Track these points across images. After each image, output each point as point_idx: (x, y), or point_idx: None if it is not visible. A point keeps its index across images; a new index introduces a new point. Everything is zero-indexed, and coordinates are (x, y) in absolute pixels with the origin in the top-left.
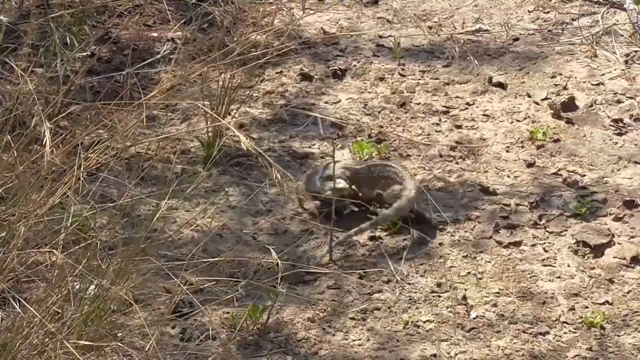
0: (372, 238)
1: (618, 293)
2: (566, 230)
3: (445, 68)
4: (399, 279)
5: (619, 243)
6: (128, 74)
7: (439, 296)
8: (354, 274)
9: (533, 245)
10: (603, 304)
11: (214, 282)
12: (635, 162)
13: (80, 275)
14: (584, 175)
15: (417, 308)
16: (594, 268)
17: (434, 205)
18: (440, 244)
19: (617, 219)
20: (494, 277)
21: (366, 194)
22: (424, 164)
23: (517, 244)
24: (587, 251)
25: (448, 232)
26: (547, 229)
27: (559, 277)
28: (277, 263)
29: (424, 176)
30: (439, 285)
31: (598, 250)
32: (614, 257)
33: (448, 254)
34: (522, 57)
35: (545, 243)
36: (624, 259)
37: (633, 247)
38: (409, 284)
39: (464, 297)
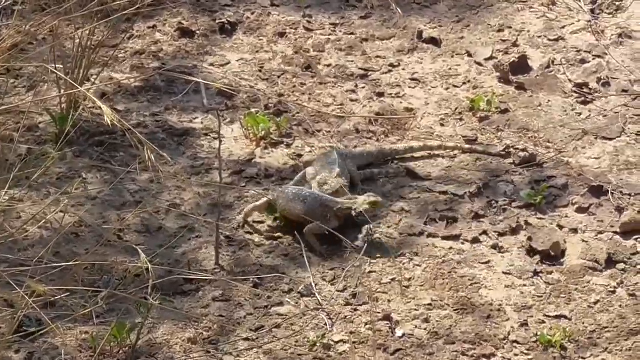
0: (270, 237)
1: (583, 304)
2: (517, 225)
3: (362, 20)
4: (304, 287)
5: (584, 240)
6: None
7: (356, 310)
8: (246, 281)
9: (474, 243)
10: (563, 318)
11: (68, 293)
12: (604, 138)
13: None
14: (539, 155)
15: (327, 325)
16: (551, 272)
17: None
18: (357, 243)
19: (582, 209)
20: (425, 285)
21: None
22: (336, 142)
23: (455, 242)
24: (544, 251)
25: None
26: (493, 224)
27: (507, 285)
28: (148, 268)
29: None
30: (354, 295)
31: (557, 250)
32: (578, 259)
33: (367, 257)
34: (460, 5)
35: (490, 241)
36: (591, 260)
37: (602, 246)
38: (317, 294)
39: (387, 311)
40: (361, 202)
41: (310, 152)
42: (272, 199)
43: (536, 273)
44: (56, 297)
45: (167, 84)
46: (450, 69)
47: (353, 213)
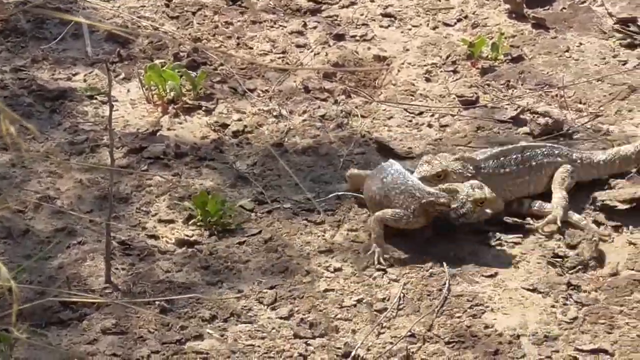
0: (182, 242)
1: (630, 333)
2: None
3: None
4: (232, 314)
5: (632, 243)
6: None
7: (307, 344)
8: (150, 306)
9: (475, 244)
10: (603, 352)
11: None
12: None
13: None
14: (567, 121)
15: None
16: (585, 290)
17: (291, 181)
18: (307, 249)
19: (630, 199)
20: (405, 308)
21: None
22: (275, 107)
23: (448, 245)
24: (576, 257)
25: (321, 226)
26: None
27: (524, 307)
28: (11, 288)
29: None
30: (310, 324)
31: (595, 256)
32: (624, 268)
33: (321, 267)
34: None
35: (497, 243)
36: None
37: None
38: (252, 322)
39: (351, 345)
40: (464, 195)
41: (240, 120)
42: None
43: (565, 289)
44: None
45: (35, 26)
46: None
47: (453, 214)
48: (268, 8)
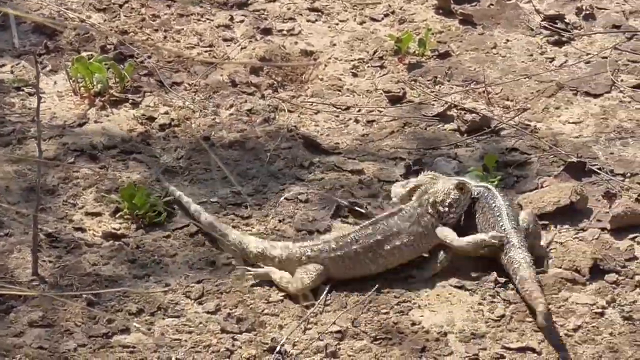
0: (109, 235)
1: (557, 331)
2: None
3: None
4: (159, 307)
5: (558, 241)
6: None
7: (234, 339)
8: (77, 299)
9: None
10: (530, 351)
11: None
12: (587, 94)
13: None
14: (494, 118)
15: None
16: (513, 288)
17: (218, 175)
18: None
19: None
20: (332, 305)
21: None
22: (199, 103)
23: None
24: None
25: (248, 220)
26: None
27: (451, 303)
28: None
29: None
30: (237, 319)
31: None
32: (552, 266)
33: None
34: None
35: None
36: (569, 269)
37: (585, 248)
38: (179, 316)
39: (277, 341)
40: None
41: (167, 113)
42: None
43: (492, 287)
44: None
45: None
46: None
47: None
48: (195, 1)
